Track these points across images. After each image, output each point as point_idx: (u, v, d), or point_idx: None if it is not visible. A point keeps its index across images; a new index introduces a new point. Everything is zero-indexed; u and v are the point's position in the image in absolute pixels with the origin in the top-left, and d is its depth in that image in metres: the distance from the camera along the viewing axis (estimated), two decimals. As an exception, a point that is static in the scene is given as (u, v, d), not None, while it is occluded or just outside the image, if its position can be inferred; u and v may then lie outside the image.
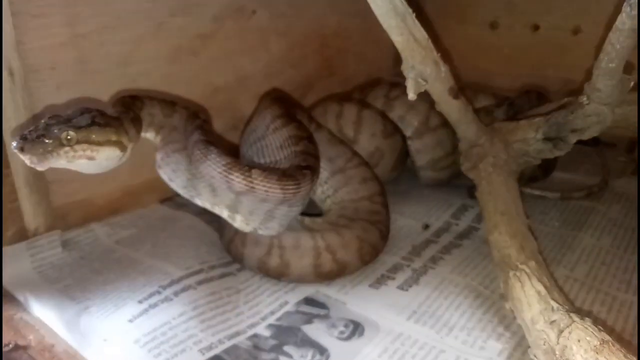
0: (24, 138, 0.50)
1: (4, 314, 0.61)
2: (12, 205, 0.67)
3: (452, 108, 0.69)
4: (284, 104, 0.74)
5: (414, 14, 0.57)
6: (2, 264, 0.60)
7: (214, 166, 0.58)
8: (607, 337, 0.47)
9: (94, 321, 0.59)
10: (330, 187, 0.77)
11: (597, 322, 0.49)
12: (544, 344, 0.50)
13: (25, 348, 0.56)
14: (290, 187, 0.60)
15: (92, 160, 0.54)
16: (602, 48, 0.57)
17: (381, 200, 0.76)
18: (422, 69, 0.60)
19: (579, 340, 0.47)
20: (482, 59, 1.20)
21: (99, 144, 0.54)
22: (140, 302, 0.61)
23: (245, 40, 0.91)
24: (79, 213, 0.75)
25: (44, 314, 0.60)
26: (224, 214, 0.62)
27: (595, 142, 1.06)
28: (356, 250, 0.67)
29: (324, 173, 0.77)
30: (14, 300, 0.63)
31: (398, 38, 0.56)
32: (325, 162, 0.76)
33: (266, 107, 0.73)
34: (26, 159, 0.50)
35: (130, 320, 0.58)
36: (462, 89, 0.72)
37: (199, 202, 0.62)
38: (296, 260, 0.65)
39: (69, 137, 0.51)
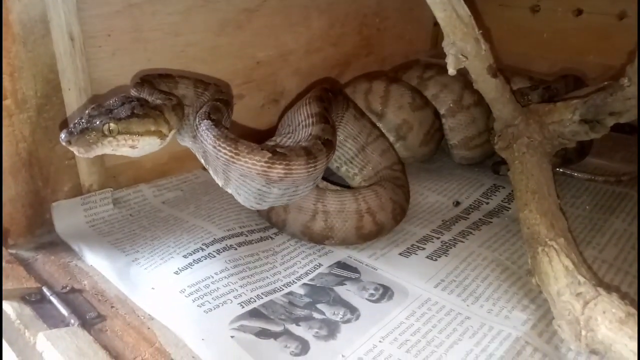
0: (70, 132, 0.55)
1: (61, 260, 0.66)
2: (69, 162, 0.72)
3: (489, 86, 0.70)
4: (323, 103, 0.70)
5: (458, -8, 0.59)
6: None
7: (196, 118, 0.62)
8: (633, 311, 0.49)
9: (143, 271, 0.63)
10: (356, 165, 0.80)
11: (625, 298, 0.51)
12: (569, 315, 0.52)
13: (80, 291, 0.61)
14: (224, 146, 0.57)
15: (134, 148, 0.58)
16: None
17: (400, 167, 0.80)
18: (463, 46, 0.61)
19: (604, 312, 0.49)
20: (521, 43, 1.19)
21: (139, 134, 0.58)
22: (185, 257, 0.65)
23: (288, 16, 0.94)
24: (129, 174, 0.79)
25: (97, 263, 0.65)
26: (192, 147, 0.67)
27: (632, 129, 1.05)
28: (391, 211, 0.71)
29: (349, 152, 0.79)
30: (69, 249, 0.68)
31: (441, 14, 0.58)
32: (351, 141, 0.79)
33: (306, 103, 0.70)
34: (74, 150, 0.55)
35: (176, 272, 0.63)
36: (499, 69, 0.73)
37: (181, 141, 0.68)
38: (340, 224, 0.68)
39: (110, 129, 0.56)
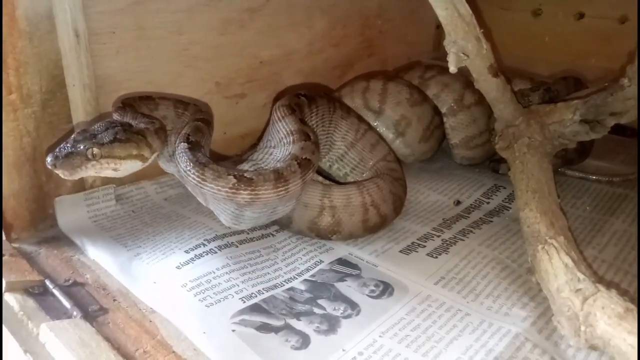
0: (55, 156, 0.57)
1: (63, 254, 0.67)
2: (73, 158, 0.72)
3: (490, 86, 0.71)
4: (295, 113, 0.69)
5: (460, -9, 0.59)
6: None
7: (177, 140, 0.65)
8: (632, 306, 0.49)
9: (145, 266, 0.64)
10: (347, 164, 0.80)
11: (625, 295, 0.51)
12: (568, 311, 0.52)
13: (82, 284, 0.62)
14: (193, 171, 0.59)
15: (116, 171, 0.61)
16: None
17: (393, 157, 0.81)
18: (464, 45, 0.62)
19: (603, 307, 0.49)
20: (523, 46, 1.20)
21: (121, 158, 0.60)
22: (187, 252, 0.66)
23: (291, 16, 0.94)
24: (131, 171, 0.80)
25: (99, 257, 0.66)
26: (167, 169, 0.70)
27: (633, 133, 1.06)
28: (392, 203, 0.73)
29: (339, 150, 0.80)
30: (72, 243, 0.69)
31: (442, 12, 0.59)
32: (340, 141, 0.79)
33: (280, 117, 0.69)
34: (59, 172, 0.58)
35: (178, 267, 0.63)
36: (500, 70, 0.74)
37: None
38: (347, 218, 0.69)
39: (94, 153, 0.58)
